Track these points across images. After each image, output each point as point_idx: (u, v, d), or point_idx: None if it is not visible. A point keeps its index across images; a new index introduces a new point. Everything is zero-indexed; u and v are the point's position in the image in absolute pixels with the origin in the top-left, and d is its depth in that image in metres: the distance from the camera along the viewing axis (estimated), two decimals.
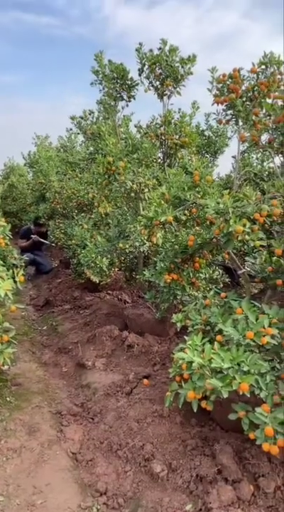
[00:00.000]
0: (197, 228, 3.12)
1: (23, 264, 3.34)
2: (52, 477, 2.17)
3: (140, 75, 3.90)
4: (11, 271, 2.77)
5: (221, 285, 4.06)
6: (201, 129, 5.78)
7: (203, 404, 2.07)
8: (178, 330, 2.78)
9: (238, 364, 1.94)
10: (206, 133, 5.85)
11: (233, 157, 3.10)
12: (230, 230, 2.19)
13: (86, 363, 3.45)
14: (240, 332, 2.13)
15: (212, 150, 5.89)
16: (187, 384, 2.08)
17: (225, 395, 1.84)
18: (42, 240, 7.15)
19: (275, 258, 2.60)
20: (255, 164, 3.97)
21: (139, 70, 3.88)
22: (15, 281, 2.73)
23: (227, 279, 4.22)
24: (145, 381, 2.97)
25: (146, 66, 3.83)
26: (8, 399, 2.88)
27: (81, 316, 4.71)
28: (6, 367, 2.92)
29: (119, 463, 2.28)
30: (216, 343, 2.12)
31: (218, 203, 2.27)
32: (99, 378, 3.24)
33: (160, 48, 3.83)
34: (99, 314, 4.53)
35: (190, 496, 1.97)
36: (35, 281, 6.81)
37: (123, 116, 4.50)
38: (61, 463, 2.30)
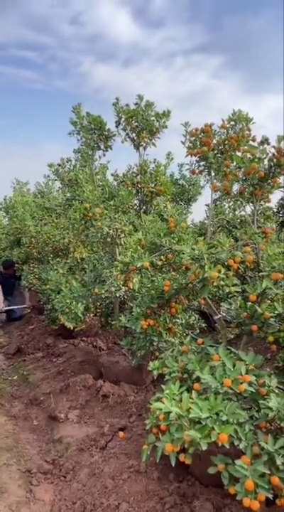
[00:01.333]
0: (173, 273, 3.16)
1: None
2: None
3: (117, 126, 4.08)
4: None
5: (198, 330, 4.06)
6: (175, 178, 6.03)
7: (181, 457, 1.99)
8: (155, 378, 2.71)
9: (217, 414, 1.90)
10: (180, 182, 6.09)
11: (207, 205, 3.23)
12: (205, 275, 2.23)
13: (59, 416, 3.28)
14: (218, 379, 2.10)
15: (186, 198, 6.10)
16: (164, 436, 2.00)
17: (204, 447, 1.77)
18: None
19: (249, 304, 2.63)
20: (227, 212, 4.14)
21: (116, 122, 4.07)
22: None
23: (203, 324, 4.22)
24: (121, 434, 2.83)
25: (123, 119, 4.02)
26: None
27: (54, 365, 4.54)
28: None
29: None
30: (193, 391, 2.08)
31: (193, 250, 2.32)
32: (72, 431, 3.08)
33: (136, 104, 4.06)
34: (73, 362, 4.39)
35: None
36: (7, 327, 6.59)
37: (100, 164, 4.64)
38: None
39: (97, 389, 3.56)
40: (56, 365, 4.48)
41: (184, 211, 6.05)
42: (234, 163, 2.73)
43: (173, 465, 1.94)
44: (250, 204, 2.98)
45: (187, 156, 2.94)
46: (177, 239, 2.81)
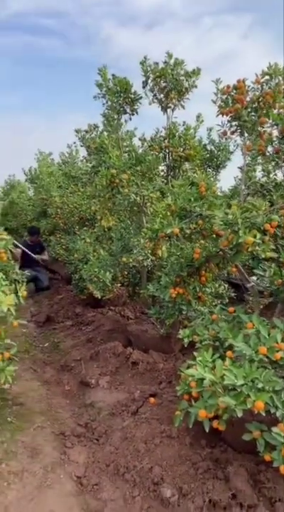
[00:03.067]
0: (202, 242, 3.06)
1: (25, 279, 3.27)
2: (57, 503, 2.05)
3: (144, 87, 3.91)
4: (13, 286, 2.69)
5: (227, 300, 3.98)
6: (203, 143, 5.79)
7: (215, 423, 1.97)
8: (185, 346, 2.68)
9: (252, 381, 1.85)
10: (208, 147, 5.85)
11: (240, 168, 3.06)
12: (239, 241, 2.13)
13: (90, 381, 3.33)
14: (252, 347, 2.04)
15: (214, 164, 5.88)
16: (197, 402, 1.98)
17: (239, 414, 1.74)
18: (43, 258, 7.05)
19: None
20: (261, 175, 3.94)
21: (143, 82, 3.89)
22: (17, 297, 2.65)
23: (233, 294, 4.14)
24: (152, 400, 2.86)
25: (151, 79, 3.84)
26: (9, 419, 2.77)
27: (83, 333, 4.60)
28: (7, 385, 2.83)
29: (126, 487, 2.16)
30: (227, 359, 2.03)
31: (226, 214, 2.21)
32: (103, 397, 3.13)
33: (165, 61, 3.85)
34: (102, 331, 4.43)
35: None
36: (36, 297, 6.71)
37: (127, 130, 4.49)
38: (65, 488, 2.17)
39: (127, 356, 3.58)
40: (85, 333, 4.55)
41: (212, 178, 5.85)
42: (270, 121, 2.55)
43: (207, 431, 1.92)
44: None
45: (217, 115, 2.78)
46: (207, 204, 2.69)
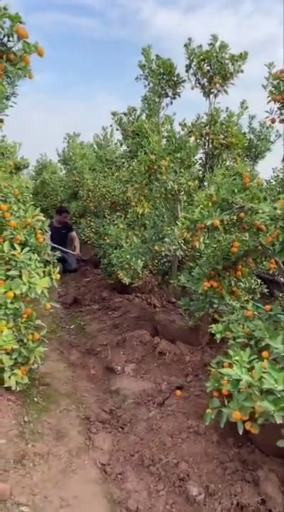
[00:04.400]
0: (238, 234, 2.94)
1: (55, 261, 3.26)
2: (80, 489, 2.05)
3: (187, 71, 3.75)
4: (47, 268, 2.68)
5: (258, 295, 3.87)
6: (243, 131, 5.59)
7: (248, 426, 1.90)
8: (216, 342, 2.61)
9: None
10: (248, 136, 5.64)
11: None
12: None
13: (116, 368, 3.32)
14: None
15: (253, 154, 5.68)
16: (232, 403, 1.92)
17: (278, 421, 1.66)
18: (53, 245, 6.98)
19: None
20: None
21: (186, 66, 3.74)
22: (51, 279, 2.63)
23: (265, 290, 4.03)
24: (179, 392, 2.81)
25: (194, 62, 3.68)
26: (35, 399, 2.79)
27: (109, 318, 4.60)
28: (35, 366, 2.85)
29: (151, 480, 2.13)
30: (266, 360, 1.94)
31: (274, 208, 2.09)
32: (128, 384, 3.11)
33: (210, 43, 3.67)
34: (129, 317, 4.41)
35: None
36: (63, 278, 6.73)
37: (165, 115, 4.36)
38: (89, 474, 2.17)
39: (154, 345, 3.55)
40: (111, 318, 4.54)
41: (248, 168, 5.66)
42: None
43: (240, 433, 1.86)
44: None
45: (269, 102, 2.62)
46: (251, 196, 2.57)
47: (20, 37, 2.38)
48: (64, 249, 6.73)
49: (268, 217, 2.12)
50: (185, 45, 3.70)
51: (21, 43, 2.42)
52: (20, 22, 2.39)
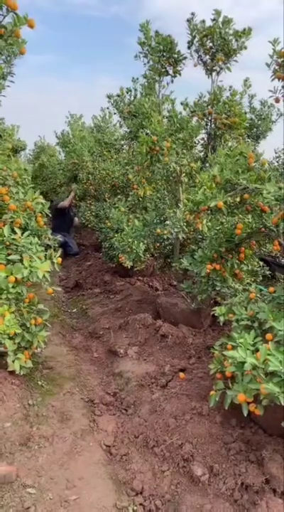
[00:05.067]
0: (240, 216, 2.90)
1: (57, 245, 3.23)
2: (86, 471, 2.07)
3: (189, 47, 3.63)
4: (48, 252, 2.65)
5: (261, 277, 3.85)
6: (243, 111, 5.48)
7: (252, 407, 1.91)
8: (221, 324, 2.60)
9: None
10: (248, 115, 5.53)
11: None
12: None
13: (119, 351, 3.33)
14: None
15: (254, 134, 5.58)
16: (236, 385, 1.91)
17: (283, 402, 1.66)
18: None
19: None
20: None
21: (188, 42, 3.62)
22: (52, 263, 2.61)
23: (267, 272, 4.00)
24: (182, 374, 2.82)
25: (197, 38, 3.56)
26: (39, 383, 2.80)
27: (111, 301, 4.59)
28: (38, 349, 2.85)
29: (156, 461, 2.15)
30: (270, 343, 1.93)
31: (280, 188, 2.05)
32: (131, 367, 3.12)
33: (213, 19, 3.54)
34: (131, 300, 4.40)
35: (234, 505, 1.82)
36: (64, 262, 6.72)
37: (164, 95, 4.25)
38: (94, 456, 2.19)
39: (156, 328, 3.54)
40: (114, 302, 4.53)
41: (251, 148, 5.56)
42: None
43: (245, 415, 1.86)
44: None
45: (273, 79, 2.54)
46: (255, 177, 2.51)
47: (10, 9, 2.25)
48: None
49: (272, 198, 2.07)
50: (188, 20, 3.56)
51: (11, 16, 2.30)
52: None
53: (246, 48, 3.60)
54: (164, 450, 2.18)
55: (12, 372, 2.56)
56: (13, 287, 2.40)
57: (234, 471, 1.95)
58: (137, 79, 4.84)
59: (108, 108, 6.34)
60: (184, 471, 2.04)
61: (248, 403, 1.91)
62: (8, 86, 3.10)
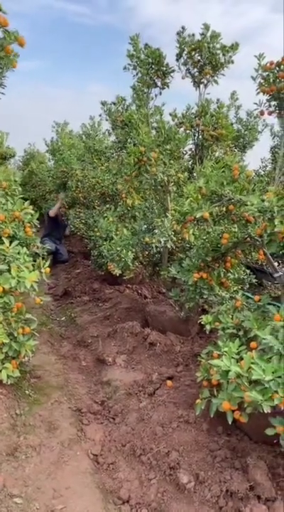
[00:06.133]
0: (227, 226, 2.96)
1: (46, 253, 3.24)
2: (73, 480, 2.08)
3: (177, 60, 3.71)
4: (37, 261, 2.67)
5: (247, 286, 3.91)
6: (230, 121, 5.58)
7: (236, 415, 1.94)
8: (206, 332, 2.64)
9: (280, 377, 1.80)
10: (235, 126, 5.63)
11: (274, 148, 2.92)
12: (275, 230, 2.04)
13: (107, 359, 3.34)
14: (280, 341, 1.98)
15: (241, 144, 5.68)
16: (221, 393, 1.95)
17: (266, 410, 1.70)
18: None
19: None
20: None
21: (177, 55, 3.69)
22: (40, 272, 2.62)
23: (254, 280, 4.06)
24: (169, 383, 2.85)
25: (185, 52, 3.63)
26: (27, 392, 2.80)
27: (100, 309, 4.61)
28: (26, 359, 2.85)
29: (142, 469, 2.17)
30: (254, 351, 1.98)
31: (262, 201, 2.11)
32: (119, 375, 3.13)
33: (202, 34, 3.63)
34: (119, 308, 4.42)
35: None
36: (54, 269, 6.72)
37: (154, 105, 4.32)
38: (81, 465, 2.20)
39: (144, 336, 3.57)
40: (102, 310, 4.55)
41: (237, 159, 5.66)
42: None
43: (230, 423, 1.90)
44: None
45: (258, 93, 2.62)
46: (239, 188, 2.58)
47: (0, 25, 2.31)
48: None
49: (256, 210, 2.13)
50: (178, 33, 3.64)
51: (1, 32, 2.35)
52: (0, 10, 2.32)
53: (232, 62, 3.69)
54: (151, 458, 2.20)
55: None
56: (0, 297, 2.40)
57: (219, 478, 1.98)
58: (133, 89, 4.90)
59: (100, 115, 6.38)
60: (171, 478, 2.07)
61: (233, 411, 1.95)
62: None
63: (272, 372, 1.79)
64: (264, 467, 1.96)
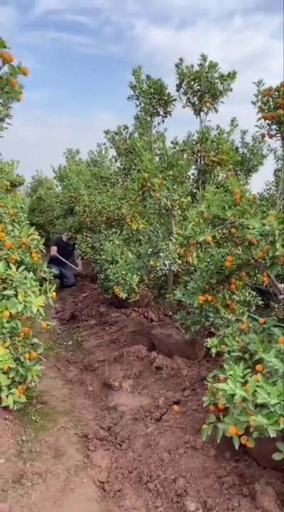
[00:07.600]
0: (231, 248, 2.99)
1: (52, 278, 3.29)
2: (79, 508, 2.05)
3: (178, 90, 3.85)
4: (44, 286, 2.71)
5: (254, 308, 3.90)
6: (235, 146, 5.68)
7: (243, 440, 1.92)
8: (213, 356, 2.63)
9: None
10: (240, 150, 5.74)
11: (278, 171, 2.98)
12: (276, 253, 2.07)
13: (113, 384, 3.33)
14: None
15: (246, 168, 5.76)
16: (227, 418, 1.94)
17: (272, 434, 1.69)
18: (61, 258, 7.15)
19: None
20: None
21: (177, 85, 3.84)
22: (46, 297, 2.66)
23: (260, 302, 4.05)
24: (176, 407, 2.82)
25: (185, 82, 3.78)
26: (33, 418, 2.80)
27: (107, 333, 4.61)
28: (33, 384, 2.86)
29: (149, 496, 2.14)
30: (259, 374, 1.97)
31: (263, 225, 2.15)
32: (126, 400, 3.11)
33: (200, 64, 3.77)
34: (126, 332, 4.42)
35: None
36: (61, 293, 6.78)
37: (157, 132, 4.45)
38: (88, 492, 2.17)
39: (151, 360, 3.56)
40: (109, 334, 4.55)
41: (241, 182, 5.74)
42: None
43: (237, 448, 1.88)
44: None
45: (259, 119, 2.71)
46: (241, 212, 2.63)
47: (5, 61, 2.45)
48: (66, 261, 6.95)
49: (257, 233, 2.17)
50: (176, 65, 3.80)
51: (7, 67, 2.49)
52: (5, 47, 2.46)
53: (231, 90, 3.82)
54: (158, 485, 2.17)
55: (5, 408, 2.56)
56: (7, 322, 2.44)
57: (227, 505, 1.95)
58: (136, 118, 5.06)
59: (104, 144, 6.58)
60: (178, 506, 2.03)
61: (240, 436, 1.93)
62: (5, 128, 3.27)
63: (278, 396, 1.78)
64: (272, 493, 1.93)
